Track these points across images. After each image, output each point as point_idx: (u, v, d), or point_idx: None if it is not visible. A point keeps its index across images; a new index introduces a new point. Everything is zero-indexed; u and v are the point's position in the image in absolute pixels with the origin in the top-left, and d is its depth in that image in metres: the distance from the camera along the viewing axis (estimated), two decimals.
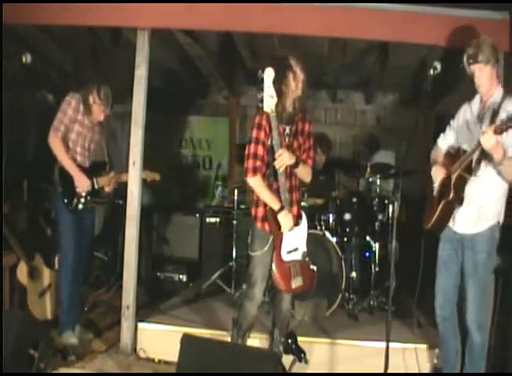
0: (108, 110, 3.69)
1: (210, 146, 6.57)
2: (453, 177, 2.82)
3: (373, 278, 4.37)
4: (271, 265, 2.93)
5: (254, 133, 2.89)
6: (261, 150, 2.88)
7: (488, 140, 2.51)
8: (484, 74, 2.78)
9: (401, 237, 3.39)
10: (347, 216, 4.45)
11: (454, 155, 2.91)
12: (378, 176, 4.63)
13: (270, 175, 2.93)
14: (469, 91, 2.94)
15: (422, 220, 3.03)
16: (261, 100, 2.79)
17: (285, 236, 2.94)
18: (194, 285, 5.04)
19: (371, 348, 3.40)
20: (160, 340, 3.59)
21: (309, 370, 3.31)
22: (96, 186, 3.67)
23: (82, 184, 3.58)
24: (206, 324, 3.75)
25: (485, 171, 2.74)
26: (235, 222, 4.70)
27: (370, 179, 4.78)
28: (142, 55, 3.61)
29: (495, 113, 2.71)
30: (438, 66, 2.80)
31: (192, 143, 6.60)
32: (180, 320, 3.81)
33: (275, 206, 2.88)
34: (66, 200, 3.55)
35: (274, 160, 2.85)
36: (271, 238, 2.94)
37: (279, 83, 2.82)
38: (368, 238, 4.49)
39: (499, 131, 2.46)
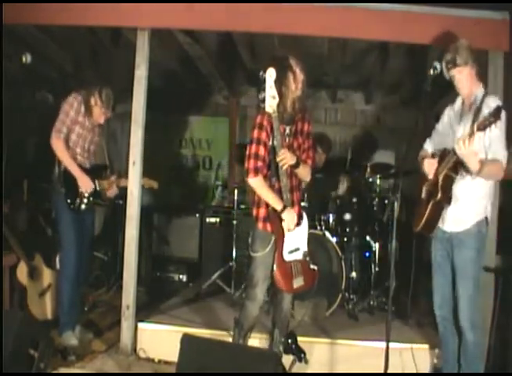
0: (109, 113, 3.70)
1: (210, 146, 6.58)
2: (440, 177, 2.83)
3: (372, 278, 4.37)
4: (272, 266, 2.92)
5: (256, 133, 2.88)
6: (262, 151, 2.87)
7: (462, 147, 2.53)
8: (463, 76, 2.81)
9: (401, 237, 3.39)
10: (347, 216, 4.45)
11: (440, 156, 2.92)
12: (378, 176, 4.63)
13: (272, 176, 2.93)
14: None
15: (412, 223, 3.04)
16: (263, 100, 2.79)
17: (286, 236, 2.93)
18: (194, 285, 5.04)
19: (371, 348, 3.40)
20: (160, 340, 3.59)
21: (309, 370, 3.31)
22: (98, 188, 3.68)
23: (85, 185, 3.59)
24: (206, 324, 3.75)
25: None
26: (235, 222, 4.69)
27: (370, 179, 4.78)
28: (142, 55, 3.61)
29: (478, 110, 2.72)
30: (438, 66, 2.81)
31: (192, 143, 6.60)
32: (180, 320, 3.81)
33: (278, 206, 2.88)
34: (69, 201, 3.55)
35: (276, 160, 2.85)
36: (272, 239, 2.94)
37: (280, 83, 2.81)
38: (368, 238, 4.49)
39: (482, 127, 2.48)
